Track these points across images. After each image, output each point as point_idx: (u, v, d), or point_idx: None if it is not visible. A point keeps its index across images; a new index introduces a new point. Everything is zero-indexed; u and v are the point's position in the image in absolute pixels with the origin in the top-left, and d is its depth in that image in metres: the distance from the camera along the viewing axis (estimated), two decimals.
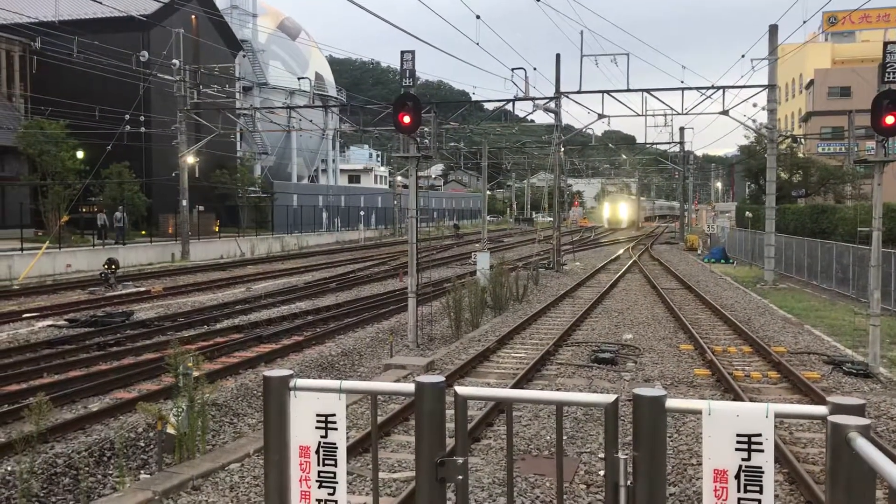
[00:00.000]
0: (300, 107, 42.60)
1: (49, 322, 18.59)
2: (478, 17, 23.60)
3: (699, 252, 46.06)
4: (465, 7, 20.41)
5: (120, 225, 34.93)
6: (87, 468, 9.11)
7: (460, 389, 2.34)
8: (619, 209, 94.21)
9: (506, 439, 2.66)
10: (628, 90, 31.30)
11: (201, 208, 44.80)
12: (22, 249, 29.10)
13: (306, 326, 18.38)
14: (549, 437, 9.31)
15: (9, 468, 8.63)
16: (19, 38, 41.04)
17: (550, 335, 16.39)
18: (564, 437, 9.24)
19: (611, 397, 2.22)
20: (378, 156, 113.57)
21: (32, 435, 7.88)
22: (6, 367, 13.59)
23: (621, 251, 46.15)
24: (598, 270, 32.69)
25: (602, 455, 7.74)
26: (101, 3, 26.21)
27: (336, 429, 2.36)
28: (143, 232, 40.92)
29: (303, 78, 54.29)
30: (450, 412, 2.60)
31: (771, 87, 29.04)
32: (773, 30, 28.62)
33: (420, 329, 16.87)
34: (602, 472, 7.12)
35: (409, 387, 2.34)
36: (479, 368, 13.40)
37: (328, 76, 72.11)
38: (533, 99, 33.52)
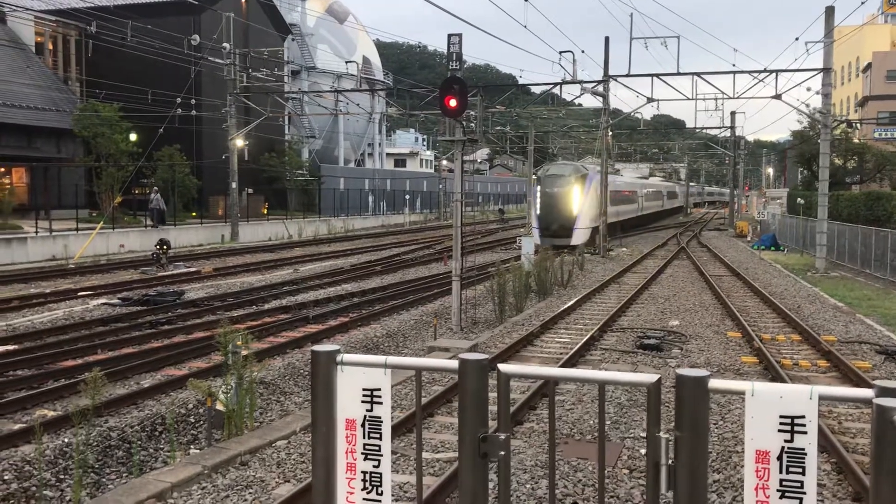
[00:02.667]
0: (347, 90, 42.82)
1: (103, 300, 19.10)
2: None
3: (749, 239, 45.30)
4: None
5: (156, 207, 35.38)
6: (139, 442, 9.38)
7: (503, 367, 2.38)
8: (567, 198, 34.62)
9: (548, 422, 2.70)
10: (678, 73, 30.84)
11: (250, 191, 45.44)
12: (77, 229, 29.89)
13: (352, 308, 18.58)
14: (592, 422, 9.30)
15: (66, 440, 8.94)
16: (76, 22, 41.91)
17: (595, 320, 16.32)
18: (608, 423, 9.24)
19: (654, 377, 2.24)
20: (424, 140, 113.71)
21: (88, 409, 8.13)
22: (63, 343, 14.02)
23: (669, 237, 45.62)
24: (645, 256, 32.37)
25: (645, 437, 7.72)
26: None
27: (381, 403, 2.42)
28: (194, 213, 41.68)
29: (350, 62, 54.55)
30: (492, 395, 2.64)
31: (826, 70, 28.33)
32: (830, 11, 27.88)
33: (464, 312, 16.94)
34: (644, 451, 7.11)
35: (453, 363, 2.38)
36: (523, 352, 13.41)
37: (375, 60, 72.31)
38: (581, 82, 33.20)
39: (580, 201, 34.32)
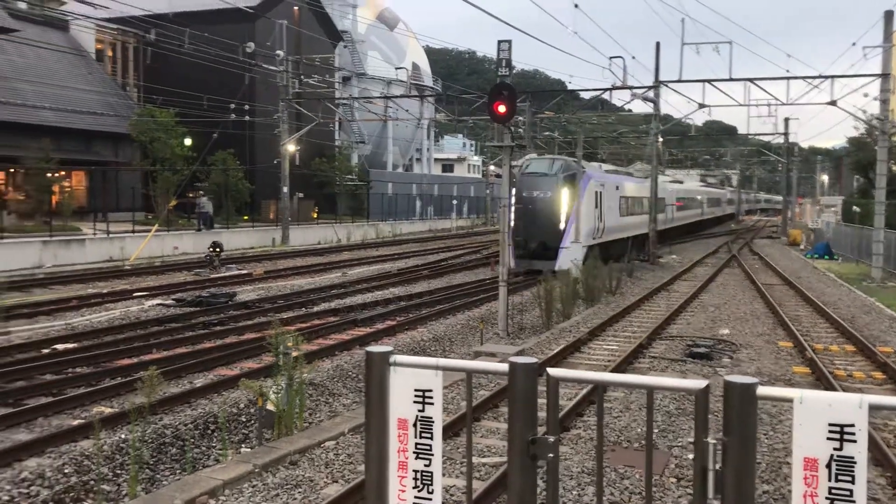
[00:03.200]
0: (397, 96, 43.17)
1: (157, 301, 19.55)
2: (576, 5, 23.41)
3: (802, 247, 44.41)
4: None
5: (204, 211, 36.03)
6: (192, 440, 9.61)
7: (552, 371, 2.43)
8: (552, 205, 26.49)
9: (596, 429, 2.74)
10: (730, 79, 30.44)
11: (301, 195, 46.03)
12: (133, 231, 30.66)
13: (399, 312, 18.72)
14: (639, 430, 9.26)
15: (122, 436, 9.19)
16: (135, 30, 43.02)
17: (644, 328, 16.20)
18: (656, 431, 9.18)
19: (702, 383, 2.26)
20: (472, 145, 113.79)
21: (144, 406, 8.36)
22: (119, 342, 14.41)
23: (720, 245, 44.95)
24: (696, 264, 31.98)
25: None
26: None
27: (433, 404, 2.49)
28: (246, 217, 42.39)
29: (400, 68, 54.92)
30: (542, 402, 2.69)
31: (885, 76, 27.68)
32: (889, 16, 27.25)
33: (510, 318, 16.95)
34: (692, 457, 7.06)
35: (503, 366, 2.44)
36: (570, 359, 13.38)
37: (425, 66, 72.70)
38: (631, 88, 33.00)
39: (570, 210, 26.07)
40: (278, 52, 37.58)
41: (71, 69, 41.30)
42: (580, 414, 9.88)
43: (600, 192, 28.57)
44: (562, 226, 25.93)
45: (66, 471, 8.28)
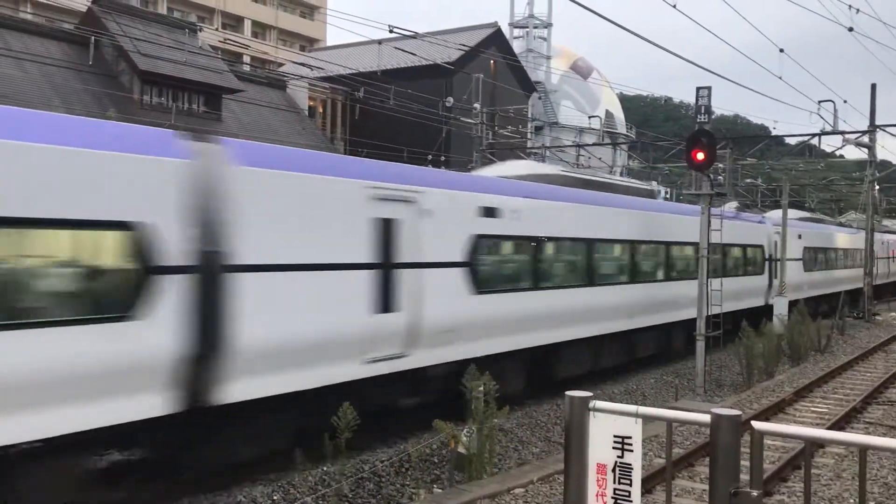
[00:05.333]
0: (588, 145, 43.14)
1: None
2: (781, 50, 22.44)
3: None
4: (767, 40, 19.55)
5: None
6: (387, 476, 9.98)
7: (757, 424, 2.39)
8: None
9: (802, 495, 2.64)
10: None
11: None
12: None
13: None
14: (852, 501, 8.55)
15: (325, 468, 9.73)
16: (344, 88, 46.17)
17: (857, 391, 14.97)
18: (871, 503, 8.44)
19: None
20: (666, 192, 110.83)
21: (341, 442, 8.77)
22: None
23: None
24: None
25: None
26: (413, 54, 28.81)
27: (632, 450, 2.51)
28: None
29: (593, 116, 54.95)
30: (744, 463, 2.63)
31: None
32: None
33: (708, 374, 16.25)
34: None
35: (705, 417, 2.43)
36: (773, 420, 12.61)
37: (618, 113, 72.15)
38: (842, 133, 30.94)
39: None
40: (475, 105, 38.86)
41: (287, 125, 44.90)
42: (784, 479, 9.30)
43: None
44: None
45: (274, 497, 8.88)
